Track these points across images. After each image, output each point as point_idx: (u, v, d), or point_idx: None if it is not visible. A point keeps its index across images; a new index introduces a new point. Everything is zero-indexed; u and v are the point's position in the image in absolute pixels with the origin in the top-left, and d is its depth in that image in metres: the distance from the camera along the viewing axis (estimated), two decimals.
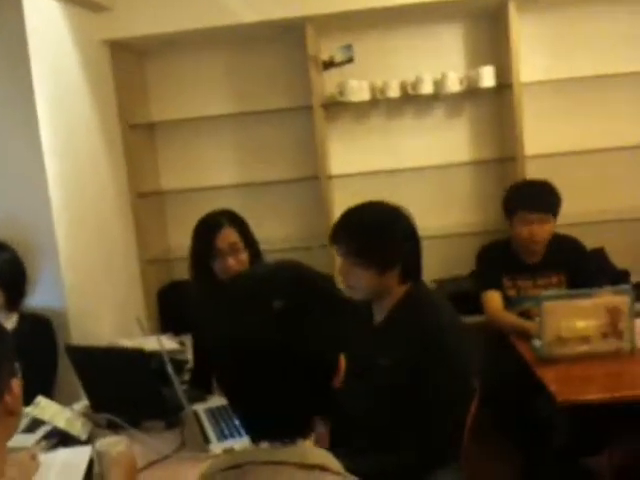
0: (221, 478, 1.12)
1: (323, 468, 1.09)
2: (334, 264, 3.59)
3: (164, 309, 3.77)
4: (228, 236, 2.48)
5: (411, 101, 3.78)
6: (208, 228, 2.52)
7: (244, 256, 2.50)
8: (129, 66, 3.72)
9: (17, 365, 1.27)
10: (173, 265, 3.90)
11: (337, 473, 1.10)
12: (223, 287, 1.27)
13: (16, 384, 1.23)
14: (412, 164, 3.70)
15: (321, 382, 1.13)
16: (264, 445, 1.12)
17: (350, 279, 2.01)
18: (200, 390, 2.41)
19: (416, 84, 3.59)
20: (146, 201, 3.74)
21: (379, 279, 1.99)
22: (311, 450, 1.12)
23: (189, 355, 2.72)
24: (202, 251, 2.51)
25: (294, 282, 1.15)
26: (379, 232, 1.98)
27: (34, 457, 1.86)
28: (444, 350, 1.90)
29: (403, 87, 3.62)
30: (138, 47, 3.76)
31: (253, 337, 1.08)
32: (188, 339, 2.79)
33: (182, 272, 3.67)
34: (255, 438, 1.13)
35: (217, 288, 2.50)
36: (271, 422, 1.12)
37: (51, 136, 2.91)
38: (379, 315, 2.08)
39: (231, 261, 2.46)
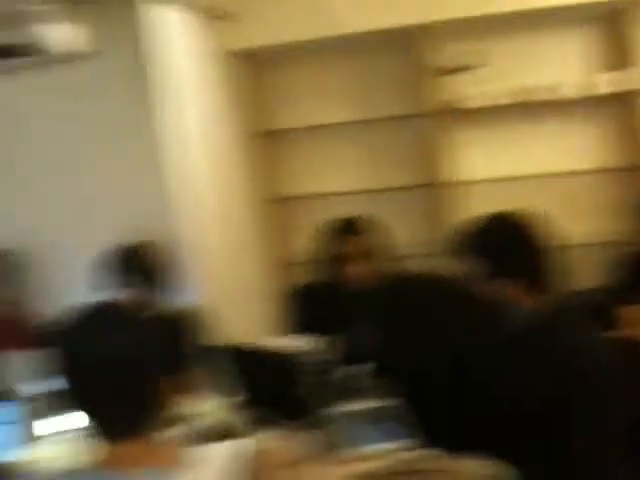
0: None
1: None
2: (456, 271, 3.57)
3: (294, 311, 3.84)
4: (360, 241, 2.51)
5: (529, 107, 3.68)
6: (340, 232, 2.56)
7: (375, 262, 2.52)
8: (252, 75, 3.83)
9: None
10: (298, 268, 3.97)
11: None
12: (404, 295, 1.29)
13: (172, 379, 1.30)
14: (539, 171, 3.62)
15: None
16: (437, 452, 1.14)
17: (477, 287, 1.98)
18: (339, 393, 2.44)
19: (552, 88, 3.51)
20: (272, 206, 3.86)
21: (508, 288, 1.96)
22: (490, 465, 1.13)
23: (327, 356, 2.76)
24: (332, 255, 2.55)
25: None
26: (513, 242, 1.96)
27: (179, 449, 1.94)
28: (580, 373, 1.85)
29: (519, 93, 3.55)
30: (261, 56, 3.87)
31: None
32: (321, 340, 2.83)
33: (306, 275, 3.77)
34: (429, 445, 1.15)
35: (351, 291, 2.54)
36: (451, 432, 1.15)
37: (174, 143, 3.06)
38: (508, 325, 2.05)
39: (357, 267, 2.49)
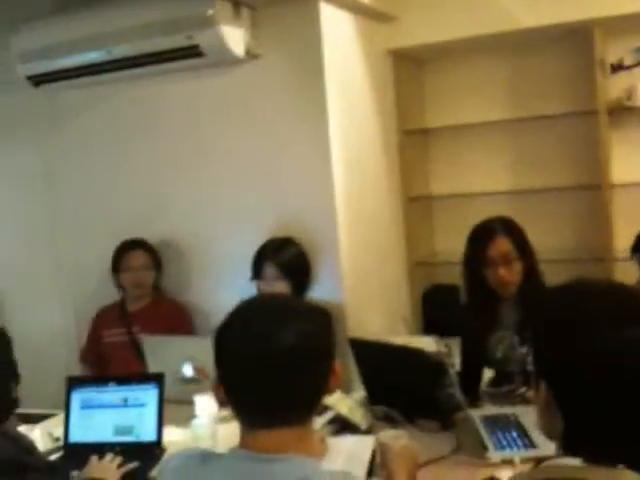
0: None
1: None
2: (612, 278, 3.38)
3: (427, 311, 3.83)
4: (501, 245, 2.44)
5: None
6: (481, 235, 2.50)
7: (518, 267, 2.45)
8: (409, 74, 3.83)
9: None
10: (438, 269, 3.94)
11: None
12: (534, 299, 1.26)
13: (337, 365, 1.30)
14: None
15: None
16: (574, 461, 1.09)
17: None
18: (466, 396, 2.41)
19: None
20: (416, 205, 3.83)
21: None
22: (628, 475, 1.07)
23: (454, 359, 2.73)
24: (474, 258, 2.50)
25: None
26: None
27: (323, 439, 1.99)
28: None
29: None
30: (418, 55, 3.86)
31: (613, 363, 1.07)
32: (454, 343, 2.80)
33: (446, 276, 3.74)
34: (571, 452, 1.11)
35: (490, 296, 2.49)
36: (601, 442, 1.09)
37: (338, 140, 3.11)
38: None
39: (502, 271, 2.42)
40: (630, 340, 1.07)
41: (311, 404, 1.27)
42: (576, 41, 3.52)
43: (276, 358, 1.21)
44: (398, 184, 3.75)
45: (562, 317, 1.14)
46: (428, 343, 2.40)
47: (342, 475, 1.37)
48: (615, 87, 3.52)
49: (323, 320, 1.30)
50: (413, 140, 3.86)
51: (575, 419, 1.11)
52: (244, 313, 1.30)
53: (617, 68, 3.43)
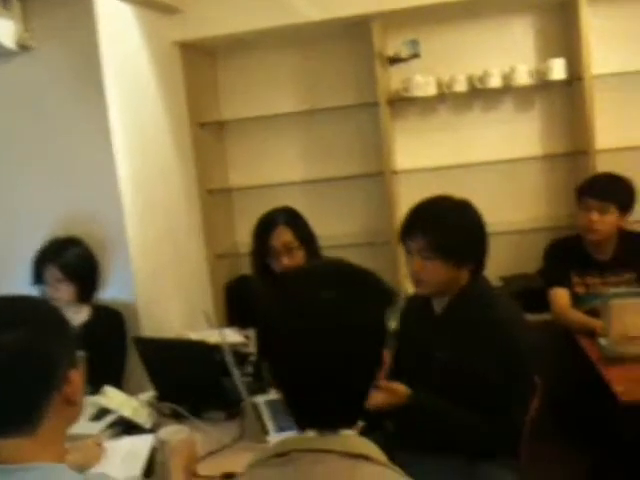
0: (266, 466, 1.15)
1: (367, 458, 1.11)
2: (398, 260, 3.59)
3: (231, 303, 3.84)
4: (282, 235, 2.55)
5: (479, 95, 3.72)
6: (264, 227, 2.60)
7: (299, 255, 2.56)
8: (199, 66, 3.81)
9: (80, 356, 1.31)
10: (240, 260, 3.97)
11: (380, 464, 1.12)
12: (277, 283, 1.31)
13: (76, 375, 1.27)
14: (480, 159, 3.64)
15: (366, 375, 1.16)
16: (310, 434, 1.14)
17: (424, 274, 2.00)
18: (263, 382, 2.46)
19: (484, 78, 3.53)
20: (214, 197, 3.83)
21: (455, 274, 1.99)
22: (355, 440, 1.14)
23: (252, 348, 2.78)
24: (259, 249, 2.60)
25: (341, 274, 1.20)
26: (459, 227, 1.98)
27: (99, 444, 1.94)
28: (505, 345, 1.89)
29: (470, 81, 3.57)
30: (208, 48, 3.85)
31: (304, 327, 1.12)
32: (252, 333, 2.84)
33: (248, 267, 3.77)
34: (302, 426, 1.16)
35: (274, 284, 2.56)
36: (318, 411, 1.15)
37: (123, 134, 3.02)
38: (439, 307, 2.08)
39: (285, 260, 2.53)
40: (318, 302, 1.14)
41: (29, 413, 1.21)
42: (357, 35, 3.68)
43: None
44: (194, 177, 3.72)
45: (264, 304, 1.21)
46: (225, 335, 2.41)
47: (96, 477, 1.35)
48: (394, 79, 3.73)
49: (50, 327, 1.26)
50: (208, 132, 3.85)
51: (288, 394, 1.17)
52: None
53: (394, 61, 3.63)
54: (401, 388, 1.95)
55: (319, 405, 1.15)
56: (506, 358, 1.88)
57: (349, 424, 1.16)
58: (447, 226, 1.96)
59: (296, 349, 1.13)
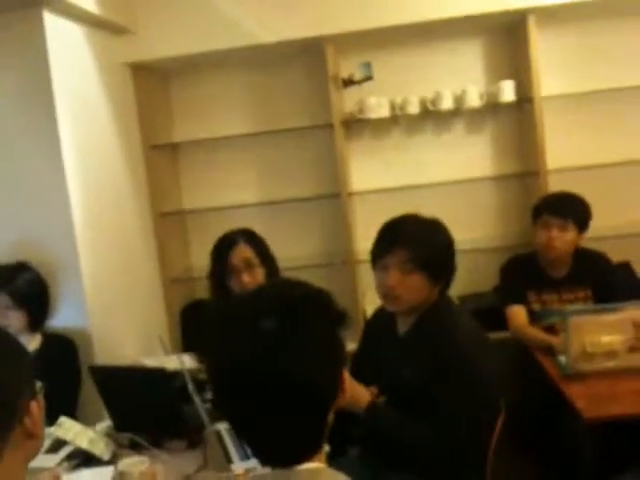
0: None
1: None
2: (355, 280, 3.59)
3: (186, 328, 3.77)
4: (242, 252, 2.53)
5: (431, 117, 3.77)
6: (223, 245, 2.58)
7: (259, 273, 2.53)
8: (151, 88, 3.76)
9: (38, 386, 1.25)
10: (195, 284, 3.91)
11: None
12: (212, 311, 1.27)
13: (36, 407, 1.19)
14: (433, 179, 3.68)
15: (320, 404, 1.10)
16: (267, 470, 1.10)
17: (401, 289, 1.98)
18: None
19: (436, 100, 3.58)
20: (168, 220, 3.77)
21: (430, 290, 1.99)
22: (314, 474, 1.10)
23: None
24: (218, 268, 2.56)
25: (281, 300, 1.12)
26: (439, 242, 1.99)
27: (57, 478, 1.86)
28: (468, 366, 1.88)
29: (423, 103, 3.62)
30: (160, 69, 3.81)
31: (241, 360, 1.06)
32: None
33: (204, 291, 3.71)
34: (261, 461, 1.12)
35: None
36: (271, 447, 1.10)
37: (73, 157, 2.94)
38: (403, 326, 2.07)
39: (246, 278, 2.49)
40: (260, 333, 1.06)
41: None
42: (310, 57, 3.69)
43: None
44: (147, 200, 3.66)
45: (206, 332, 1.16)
46: (182, 362, 2.35)
47: None
48: (348, 100, 3.75)
49: (7, 357, 1.17)
50: (161, 155, 3.80)
51: (235, 429, 1.12)
52: None
53: (348, 83, 3.65)
54: (364, 392, 1.93)
55: (272, 441, 1.09)
56: (466, 387, 1.86)
57: (310, 456, 1.11)
58: (430, 241, 1.98)
59: (237, 383, 1.06)
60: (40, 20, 2.84)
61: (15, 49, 2.87)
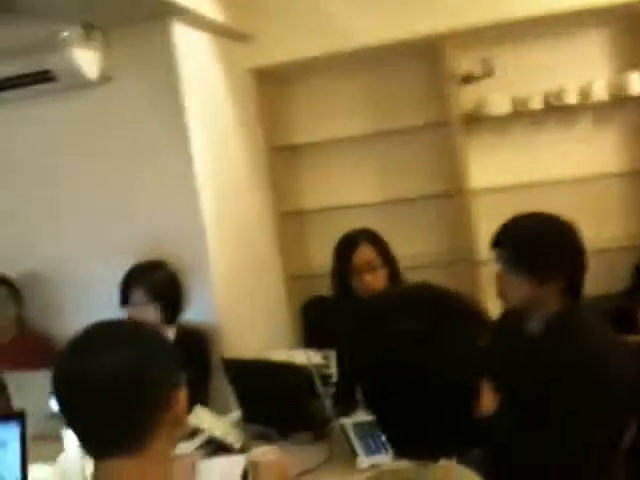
0: None
1: None
2: (476, 280, 3.55)
3: (306, 324, 3.87)
4: (365, 253, 2.55)
5: (555, 112, 3.66)
6: (346, 246, 2.61)
7: (381, 274, 2.55)
8: (272, 92, 3.88)
9: (182, 376, 1.33)
10: (314, 281, 3.99)
11: None
12: (361, 305, 1.30)
13: (182, 395, 1.29)
14: (557, 176, 3.58)
15: (458, 407, 1.13)
16: (405, 463, 1.13)
17: (505, 287, 1.97)
18: (344, 404, 2.45)
19: (560, 94, 3.48)
20: (289, 220, 3.88)
21: (537, 290, 1.93)
22: (450, 471, 1.12)
23: (333, 370, 2.78)
24: (340, 268, 2.60)
25: (429, 303, 1.16)
26: (545, 242, 1.93)
27: (194, 464, 1.97)
28: (603, 378, 1.82)
29: (546, 98, 3.52)
30: (279, 73, 3.92)
31: (389, 358, 1.10)
32: (331, 354, 2.85)
33: (324, 288, 3.79)
34: (399, 454, 1.14)
35: (356, 304, 2.56)
36: (413, 442, 1.13)
37: (202, 160, 3.10)
38: (534, 326, 2.03)
39: (368, 278, 2.52)
40: (405, 334, 1.10)
41: (139, 434, 1.21)
42: (428, 54, 3.68)
43: (95, 386, 1.19)
44: (270, 200, 3.78)
45: (356, 325, 1.19)
46: (307, 356, 2.43)
47: None
48: (465, 98, 3.71)
49: (155, 348, 1.27)
50: (282, 156, 3.91)
51: (385, 422, 1.15)
52: (74, 341, 1.26)
53: (467, 79, 3.62)
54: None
55: (414, 436, 1.13)
56: (596, 388, 1.80)
57: (446, 454, 1.14)
58: (533, 240, 1.93)
59: (386, 384, 1.11)
60: (170, 30, 3.01)
61: (146, 58, 3.06)
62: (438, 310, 1.15)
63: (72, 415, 1.24)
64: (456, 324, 1.13)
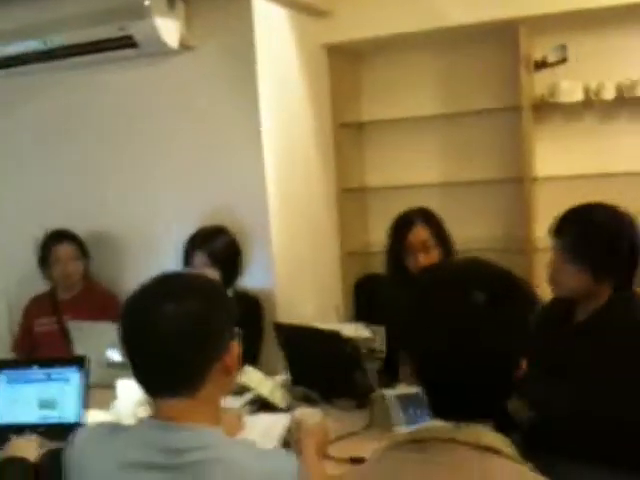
0: (401, 450, 1.21)
1: (496, 451, 1.14)
2: (532, 268, 3.54)
3: (359, 299, 3.93)
4: (420, 233, 2.60)
5: (627, 103, 3.58)
6: (401, 225, 2.66)
7: (435, 254, 2.60)
8: (343, 68, 3.92)
9: (237, 330, 1.42)
10: (371, 259, 4.04)
11: (509, 457, 1.15)
12: (416, 280, 1.35)
13: (235, 347, 1.39)
14: (625, 169, 3.51)
15: (505, 373, 1.19)
16: (443, 423, 1.19)
17: (559, 276, 1.99)
18: (389, 377, 2.52)
19: (633, 86, 3.41)
20: (351, 196, 3.94)
21: (591, 283, 1.95)
22: (487, 434, 1.18)
23: (379, 345, 2.84)
24: (395, 247, 2.65)
25: (494, 275, 1.21)
26: (606, 236, 1.93)
27: (240, 418, 2.09)
28: None
29: (619, 88, 3.45)
30: (352, 50, 3.95)
31: (450, 326, 1.15)
32: (380, 330, 2.91)
33: (379, 266, 3.85)
34: (438, 416, 1.21)
35: (410, 282, 2.60)
36: (457, 405, 1.19)
37: (270, 132, 3.19)
38: (581, 314, 2.04)
39: (422, 257, 2.57)
40: (471, 303, 1.15)
41: (193, 378, 1.32)
42: (503, 39, 3.64)
43: (160, 331, 1.29)
44: (333, 175, 3.84)
45: (408, 304, 1.24)
46: (355, 330, 2.51)
47: (242, 442, 1.46)
48: (539, 83, 3.67)
49: (215, 300, 1.37)
50: (348, 133, 3.96)
51: (428, 388, 1.21)
52: (142, 288, 1.37)
53: (541, 65, 3.58)
54: None
55: (458, 400, 1.19)
56: None
57: (484, 419, 1.20)
58: (593, 234, 1.93)
59: (440, 348, 1.16)
60: (250, 4, 3.09)
61: (224, 29, 3.16)
62: (505, 281, 1.19)
63: (136, 357, 1.35)
64: (516, 297, 1.19)
